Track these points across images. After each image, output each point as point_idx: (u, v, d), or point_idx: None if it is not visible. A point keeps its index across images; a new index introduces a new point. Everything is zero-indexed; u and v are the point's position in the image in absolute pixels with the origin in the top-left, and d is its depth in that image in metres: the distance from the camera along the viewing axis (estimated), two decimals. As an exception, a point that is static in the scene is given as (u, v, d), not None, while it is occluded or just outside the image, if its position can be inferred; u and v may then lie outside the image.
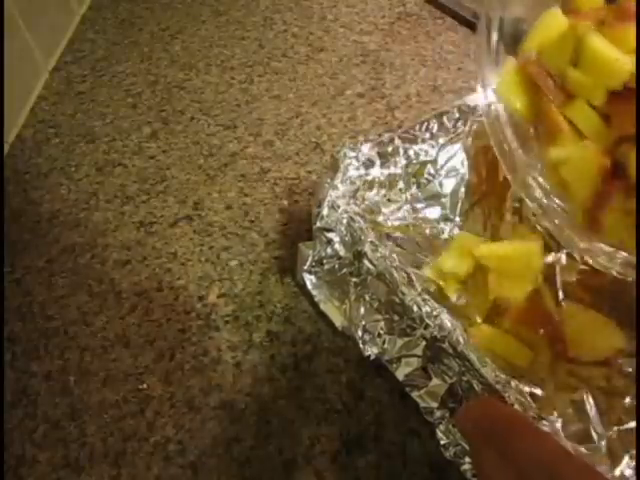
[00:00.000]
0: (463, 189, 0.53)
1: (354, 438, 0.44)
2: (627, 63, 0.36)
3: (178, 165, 0.64)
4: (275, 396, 0.46)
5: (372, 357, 0.46)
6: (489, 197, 0.53)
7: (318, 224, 0.46)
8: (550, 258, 0.52)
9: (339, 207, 0.45)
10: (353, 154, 0.48)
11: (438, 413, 0.42)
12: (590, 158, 0.38)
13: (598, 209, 0.39)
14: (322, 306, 0.48)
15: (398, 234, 0.50)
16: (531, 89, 0.41)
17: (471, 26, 0.79)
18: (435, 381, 0.42)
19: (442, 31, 0.79)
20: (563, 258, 0.52)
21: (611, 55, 0.37)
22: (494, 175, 0.53)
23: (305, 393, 0.46)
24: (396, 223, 0.51)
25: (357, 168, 0.48)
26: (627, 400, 0.44)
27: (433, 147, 0.51)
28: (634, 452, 0.39)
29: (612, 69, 0.37)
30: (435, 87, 0.71)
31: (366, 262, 0.43)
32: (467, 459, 0.40)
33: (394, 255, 0.43)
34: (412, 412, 0.44)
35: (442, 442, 0.41)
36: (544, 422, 0.36)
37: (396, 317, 0.43)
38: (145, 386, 0.47)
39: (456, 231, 0.53)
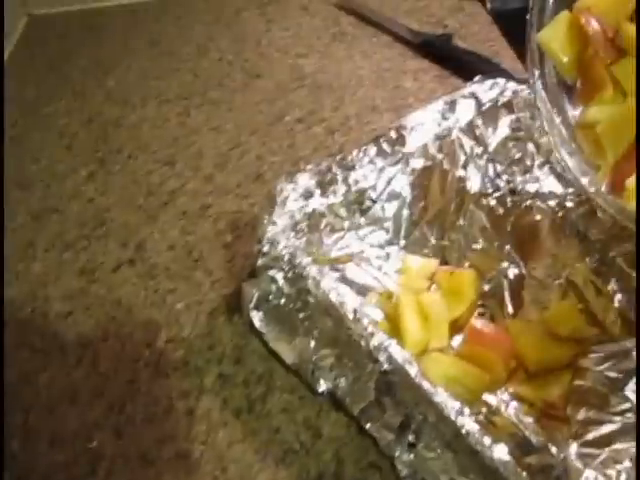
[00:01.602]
0: (405, 211, 0.52)
1: (314, 478, 0.43)
2: None
3: (117, 206, 0.62)
4: (231, 441, 0.45)
5: (325, 393, 0.45)
6: (433, 217, 0.53)
7: (260, 262, 0.45)
8: (495, 272, 0.51)
9: (279, 243, 0.44)
10: (290, 186, 0.47)
11: (396, 445, 0.41)
12: (630, 119, 0.36)
13: (625, 173, 0.36)
14: (272, 344, 0.48)
15: (342, 264, 0.50)
16: (579, 43, 0.39)
17: (406, 42, 0.80)
18: (390, 413, 0.41)
19: (378, 49, 0.79)
20: (511, 273, 0.52)
21: None
22: (437, 195, 0.53)
23: (261, 435, 0.45)
24: (340, 252, 0.50)
25: (296, 200, 0.47)
26: (582, 411, 0.44)
27: (372, 172, 0.51)
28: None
29: None
30: (374, 107, 0.71)
31: (310, 298, 0.43)
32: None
33: (339, 288, 0.42)
34: (371, 445, 0.44)
35: (402, 474, 0.41)
36: (501, 446, 0.35)
37: (345, 351, 0.42)
38: (95, 444, 0.45)
39: (402, 254, 0.52)
